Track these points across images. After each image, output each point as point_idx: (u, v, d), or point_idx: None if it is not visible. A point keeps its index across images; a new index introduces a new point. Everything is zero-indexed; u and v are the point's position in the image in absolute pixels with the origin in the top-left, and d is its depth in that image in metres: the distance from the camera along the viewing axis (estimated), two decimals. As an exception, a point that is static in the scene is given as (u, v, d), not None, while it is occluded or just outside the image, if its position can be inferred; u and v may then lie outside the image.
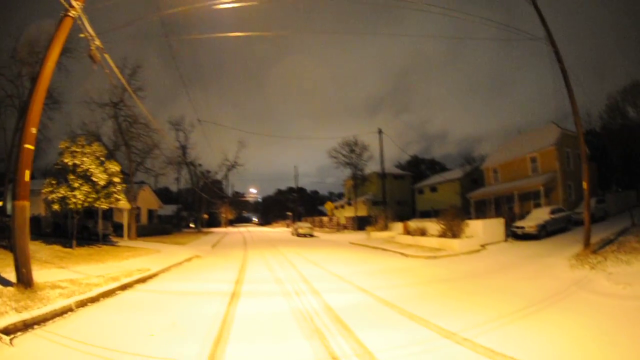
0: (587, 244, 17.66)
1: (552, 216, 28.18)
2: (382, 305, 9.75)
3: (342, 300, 10.38)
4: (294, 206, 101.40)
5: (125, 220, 35.34)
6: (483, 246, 23.32)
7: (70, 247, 21.44)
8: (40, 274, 12.02)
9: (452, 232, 24.49)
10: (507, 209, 40.01)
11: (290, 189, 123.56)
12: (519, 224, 27.35)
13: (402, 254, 23.08)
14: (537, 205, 36.14)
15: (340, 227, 62.71)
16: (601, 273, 12.68)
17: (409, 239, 28.69)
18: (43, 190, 21.52)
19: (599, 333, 6.96)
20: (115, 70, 15.26)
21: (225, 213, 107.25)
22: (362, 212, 64.19)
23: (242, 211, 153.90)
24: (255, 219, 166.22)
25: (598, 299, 9.70)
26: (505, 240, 25.97)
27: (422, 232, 28.25)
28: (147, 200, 51.85)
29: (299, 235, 50.42)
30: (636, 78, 54.16)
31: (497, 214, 36.04)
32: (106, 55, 13.43)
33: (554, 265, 15.48)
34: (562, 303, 9.55)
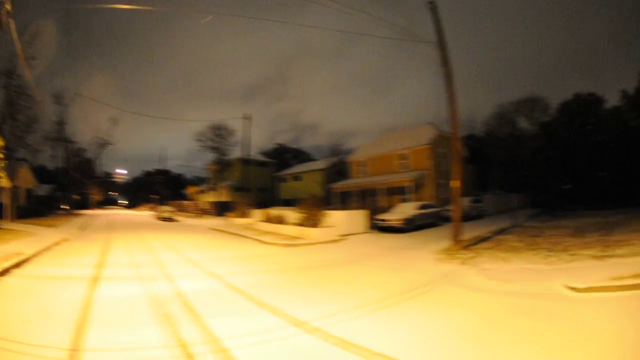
0: (457, 239, 17.92)
1: (421, 211, 28.79)
2: (234, 292, 9.86)
3: (195, 286, 10.56)
4: (159, 189, 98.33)
5: (4, 200, 32.70)
6: (344, 236, 23.37)
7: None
8: None
9: (312, 221, 24.51)
10: (372, 201, 40.97)
11: (158, 171, 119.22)
12: (383, 216, 27.64)
13: (259, 240, 22.97)
14: (405, 200, 37.27)
15: (203, 212, 61.32)
16: (474, 268, 12.85)
17: (268, 227, 28.62)
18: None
19: (468, 326, 7.04)
20: (15, 36, 15.50)
21: (95, 194, 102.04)
22: (225, 197, 63.05)
23: (111, 193, 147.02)
24: (123, 201, 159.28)
25: (470, 294, 9.72)
26: (369, 232, 26.05)
27: (282, 220, 28.44)
28: (26, 179, 47.67)
29: (162, 219, 49.49)
30: (535, 93, 58.85)
31: (363, 206, 36.49)
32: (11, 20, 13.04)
33: (420, 258, 15.54)
34: (427, 295, 9.56)
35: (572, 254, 14.13)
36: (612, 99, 59.61)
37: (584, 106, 58.31)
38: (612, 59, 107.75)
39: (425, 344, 6.15)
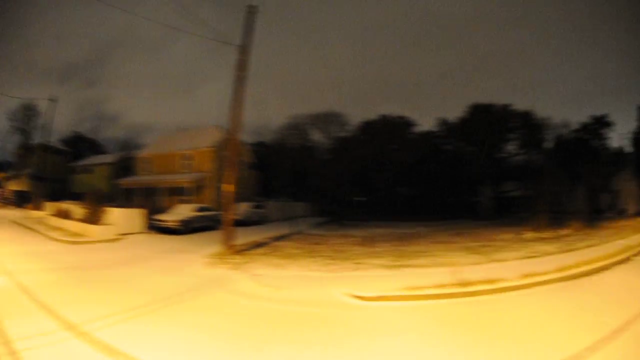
0: (229, 244, 17.96)
1: (198, 213, 29.10)
2: (22, 292, 9.76)
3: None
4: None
5: None
6: (123, 235, 23.09)
7: None
8: None
9: (94, 217, 24.20)
10: (152, 200, 40.09)
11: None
12: (161, 217, 27.58)
13: (48, 236, 22.25)
14: (187, 202, 36.62)
15: (6, 202, 56.40)
16: (246, 274, 12.76)
17: (58, 221, 27.38)
18: None
19: (234, 334, 7.09)
20: None
21: None
22: (26, 186, 58.52)
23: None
24: None
25: (238, 300, 9.74)
26: (147, 232, 25.89)
27: (69, 215, 27.42)
28: None
29: None
30: (333, 108, 61.46)
31: (146, 205, 35.69)
32: None
33: (192, 262, 15.52)
34: (194, 301, 9.58)
35: (358, 263, 14.25)
36: (428, 125, 65.33)
37: (390, 127, 62.06)
38: (442, 92, 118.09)
39: (185, 351, 6.16)
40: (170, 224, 26.29)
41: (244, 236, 21.01)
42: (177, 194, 41.38)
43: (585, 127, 56.01)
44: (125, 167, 55.42)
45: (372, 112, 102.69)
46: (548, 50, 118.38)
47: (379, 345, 6.46)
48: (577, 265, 11.87)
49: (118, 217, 24.57)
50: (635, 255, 14.25)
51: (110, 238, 21.82)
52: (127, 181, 48.36)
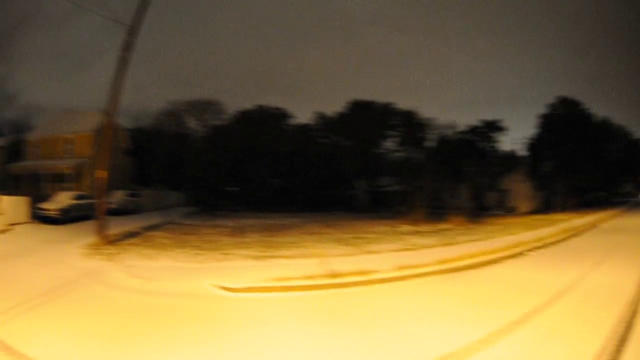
0: (103, 234, 18.02)
1: (77, 202, 29.02)
2: None
3: None
4: None
5: None
6: (11, 225, 23.19)
7: None
8: None
9: None
10: (38, 187, 39.39)
11: None
12: (43, 205, 27.31)
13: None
14: (68, 189, 35.09)
15: None
16: (119, 265, 12.94)
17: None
18: None
19: (104, 328, 7.09)
20: None
21: None
22: None
23: None
24: None
25: (111, 292, 9.84)
26: (31, 222, 25.75)
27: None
28: None
29: None
30: (213, 96, 61.20)
31: (31, 192, 34.81)
32: None
33: (70, 253, 15.66)
34: (72, 294, 9.55)
35: (226, 253, 14.70)
36: (306, 118, 65.85)
37: (266, 117, 62.79)
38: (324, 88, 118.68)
39: (60, 348, 6.04)
40: (51, 213, 26.49)
41: (118, 226, 21.78)
42: (60, 180, 40.29)
43: (474, 130, 58.35)
44: (16, 151, 52.62)
45: (251, 102, 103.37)
46: (450, 56, 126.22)
47: (246, 336, 6.57)
48: (461, 258, 12.40)
49: (7, 206, 24.47)
50: (529, 250, 15.20)
51: (3, 229, 22.03)
52: (17, 166, 46.44)
